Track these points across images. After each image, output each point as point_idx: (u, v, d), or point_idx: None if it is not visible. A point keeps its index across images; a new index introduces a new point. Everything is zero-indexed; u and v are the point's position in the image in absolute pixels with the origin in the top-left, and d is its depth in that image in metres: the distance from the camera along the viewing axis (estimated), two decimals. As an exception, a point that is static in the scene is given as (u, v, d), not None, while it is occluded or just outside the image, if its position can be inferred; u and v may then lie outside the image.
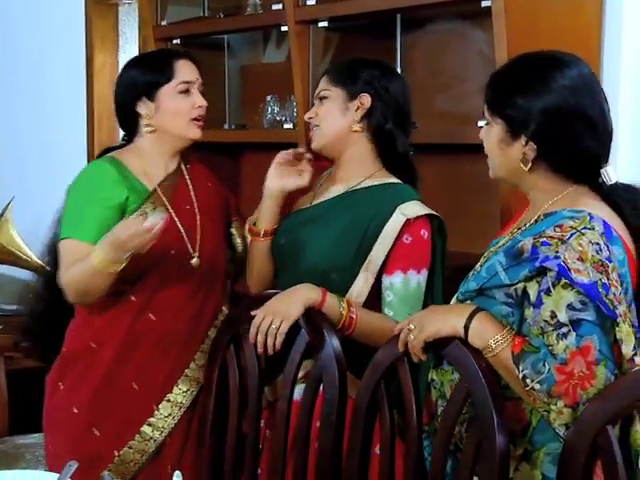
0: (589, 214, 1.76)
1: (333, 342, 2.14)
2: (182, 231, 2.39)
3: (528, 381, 1.72)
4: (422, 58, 2.97)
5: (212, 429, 2.37)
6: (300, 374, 2.21)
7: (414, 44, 2.96)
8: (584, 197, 1.83)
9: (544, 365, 1.70)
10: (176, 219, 2.38)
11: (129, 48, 4.24)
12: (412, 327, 1.88)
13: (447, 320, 1.84)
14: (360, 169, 2.31)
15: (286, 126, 3.22)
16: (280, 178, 2.32)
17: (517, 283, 1.79)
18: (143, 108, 2.37)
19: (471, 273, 1.95)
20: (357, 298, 2.24)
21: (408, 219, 2.21)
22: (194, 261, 2.39)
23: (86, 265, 2.19)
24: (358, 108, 2.27)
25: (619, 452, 1.65)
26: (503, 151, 1.87)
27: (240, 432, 2.34)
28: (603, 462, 1.66)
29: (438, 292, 2.29)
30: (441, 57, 2.94)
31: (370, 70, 2.29)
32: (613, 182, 1.84)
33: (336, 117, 2.29)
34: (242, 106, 3.62)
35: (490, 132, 1.89)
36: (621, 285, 1.74)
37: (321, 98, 2.31)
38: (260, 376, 2.29)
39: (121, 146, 2.48)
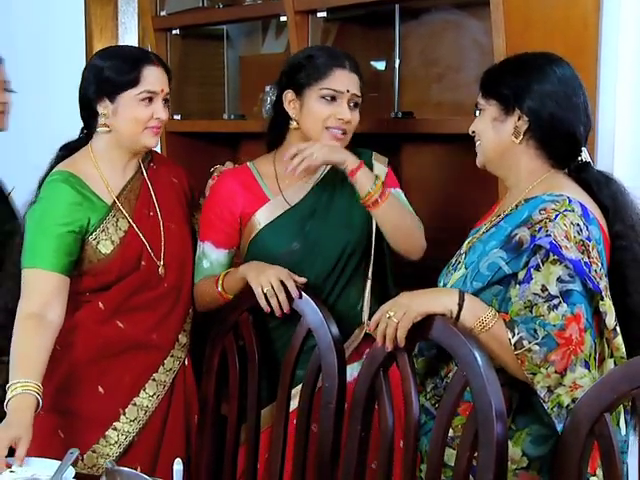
0: (568, 197, 1.89)
1: (332, 330, 2.15)
2: (145, 242, 2.35)
3: (525, 342, 1.79)
4: (420, 48, 2.97)
5: (213, 416, 2.39)
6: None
7: (412, 34, 2.95)
8: (561, 182, 1.97)
9: (536, 332, 1.79)
10: (138, 231, 2.34)
11: (128, 38, 4.22)
12: (392, 314, 1.91)
13: (437, 299, 1.90)
14: None
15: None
16: None
17: (520, 270, 1.88)
18: (102, 107, 2.31)
19: (450, 266, 2.05)
20: None
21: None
22: (160, 270, 2.36)
23: None
24: None
25: (616, 438, 1.68)
26: (496, 128, 2.00)
27: (240, 419, 2.36)
28: (600, 448, 1.69)
29: None
30: (439, 47, 2.94)
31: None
32: (587, 160, 1.99)
33: None
34: (241, 96, 3.61)
35: (483, 116, 2.03)
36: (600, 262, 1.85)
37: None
38: (260, 362, 2.30)
39: (79, 140, 2.41)
